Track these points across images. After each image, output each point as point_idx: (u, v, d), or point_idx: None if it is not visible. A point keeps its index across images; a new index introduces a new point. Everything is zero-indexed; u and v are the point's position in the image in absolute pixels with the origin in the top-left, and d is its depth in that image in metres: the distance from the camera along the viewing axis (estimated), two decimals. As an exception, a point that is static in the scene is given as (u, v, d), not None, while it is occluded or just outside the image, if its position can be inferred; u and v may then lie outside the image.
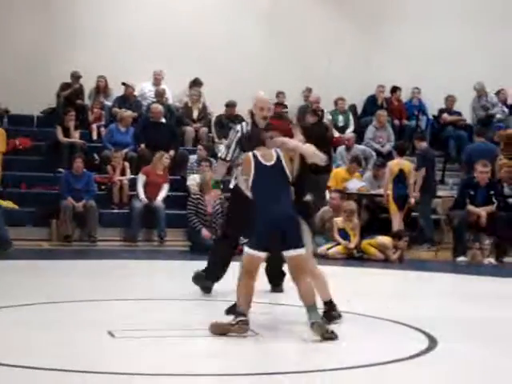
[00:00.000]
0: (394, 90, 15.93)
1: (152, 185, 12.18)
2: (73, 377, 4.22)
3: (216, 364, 4.73)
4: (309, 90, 15.43)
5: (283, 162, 5.55)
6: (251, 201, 5.58)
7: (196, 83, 14.80)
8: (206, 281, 7.16)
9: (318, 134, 11.68)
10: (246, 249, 5.43)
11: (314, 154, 5.77)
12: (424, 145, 12.81)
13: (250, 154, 5.63)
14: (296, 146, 5.73)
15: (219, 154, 7.51)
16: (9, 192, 11.98)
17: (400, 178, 11.89)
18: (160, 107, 13.67)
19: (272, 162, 5.53)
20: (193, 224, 11.35)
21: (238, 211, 6.66)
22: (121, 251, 11.14)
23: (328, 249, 10.98)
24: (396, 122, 15.50)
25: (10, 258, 9.43)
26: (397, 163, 12.02)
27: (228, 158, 7.16)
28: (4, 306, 6.18)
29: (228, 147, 7.14)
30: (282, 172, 5.54)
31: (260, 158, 5.55)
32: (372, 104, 15.71)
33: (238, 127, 7.12)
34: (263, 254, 5.45)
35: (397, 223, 11.74)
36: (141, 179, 12.25)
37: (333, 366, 4.65)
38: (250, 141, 6.16)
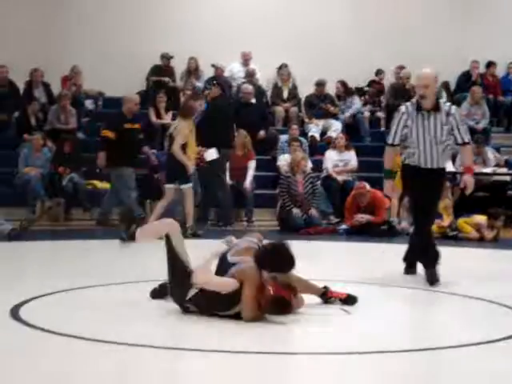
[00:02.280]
0: (489, 65, 15.49)
1: (236, 168, 12.12)
2: (144, 352, 4.28)
3: (310, 342, 4.72)
4: (400, 68, 15.17)
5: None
6: None
7: (282, 68, 14.69)
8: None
9: (220, 107, 11.37)
10: None
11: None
12: None
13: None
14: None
15: (386, 140, 6.95)
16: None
17: None
18: (250, 87, 13.67)
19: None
20: (285, 203, 11.41)
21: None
22: (207, 231, 11.15)
23: (421, 228, 10.82)
24: (491, 97, 15.09)
25: (105, 238, 9.64)
26: None
27: (395, 143, 6.78)
28: (87, 286, 6.31)
29: (393, 130, 6.73)
30: None
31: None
32: (466, 80, 15.32)
33: (403, 108, 6.74)
34: None
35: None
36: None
37: (429, 346, 4.57)
38: None
